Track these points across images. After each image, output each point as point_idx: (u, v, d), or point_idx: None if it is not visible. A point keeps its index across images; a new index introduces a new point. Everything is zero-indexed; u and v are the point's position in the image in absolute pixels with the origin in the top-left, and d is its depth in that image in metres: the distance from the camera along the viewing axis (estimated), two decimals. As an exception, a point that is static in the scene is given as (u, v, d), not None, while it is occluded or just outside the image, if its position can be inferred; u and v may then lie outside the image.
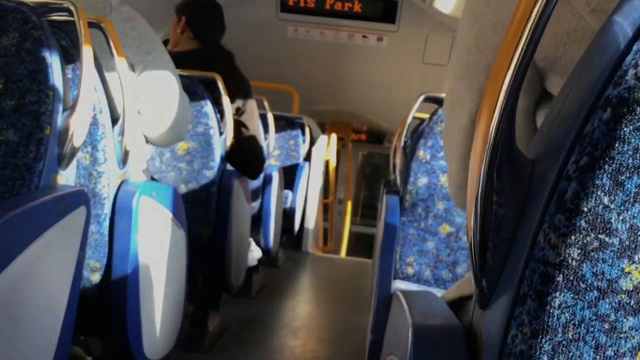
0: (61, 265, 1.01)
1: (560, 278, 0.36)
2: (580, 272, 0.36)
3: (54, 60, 1.02)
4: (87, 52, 1.09)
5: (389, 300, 1.52)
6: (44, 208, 0.95)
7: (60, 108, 1.03)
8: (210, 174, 2.08)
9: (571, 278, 0.36)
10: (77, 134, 1.04)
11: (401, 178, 1.90)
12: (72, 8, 1.11)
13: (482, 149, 0.40)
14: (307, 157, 4.27)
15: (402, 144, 1.95)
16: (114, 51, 1.22)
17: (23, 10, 1.03)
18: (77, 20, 1.10)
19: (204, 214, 2.10)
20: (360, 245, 8.76)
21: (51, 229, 0.95)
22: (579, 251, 0.36)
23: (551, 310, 0.37)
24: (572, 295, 0.37)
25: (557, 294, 0.36)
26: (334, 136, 5.38)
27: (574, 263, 0.36)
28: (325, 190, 5.66)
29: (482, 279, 0.42)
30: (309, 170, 4.30)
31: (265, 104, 3.26)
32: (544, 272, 0.36)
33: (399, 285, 1.65)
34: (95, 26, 1.20)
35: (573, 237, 0.36)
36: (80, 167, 1.21)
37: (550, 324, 0.37)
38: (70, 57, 1.15)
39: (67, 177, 1.07)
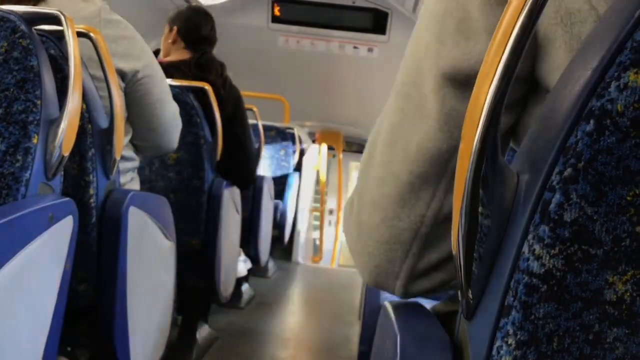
0: (47, 275, 1.01)
1: (544, 289, 0.36)
2: (564, 283, 0.36)
3: (42, 69, 1.02)
4: (76, 62, 1.09)
5: (378, 311, 1.52)
6: (30, 218, 0.94)
7: (49, 117, 1.03)
8: (199, 183, 2.07)
9: (556, 289, 0.36)
10: (65, 143, 1.04)
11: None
12: (61, 17, 1.11)
13: (466, 161, 0.40)
14: (298, 167, 4.28)
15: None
16: (103, 60, 1.22)
17: (11, 19, 1.03)
18: (66, 29, 1.10)
19: (193, 224, 2.09)
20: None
21: (37, 239, 0.95)
22: (563, 262, 0.36)
23: (536, 321, 0.37)
24: (556, 306, 0.37)
25: (542, 304, 0.36)
26: (324, 146, 5.39)
27: (558, 274, 0.36)
28: (316, 201, 5.66)
29: (467, 289, 0.42)
30: (300, 180, 4.30)
31: (256, 113, 3.26)
32: (528, 283, 0.36)
33: (388, 296, 1.64)
34: (85, 36, 1.20)
35: (557, 248, 0.36)
36: (68, 177, 1.20)
37: (535, 334, 0.37)
38: (59, 66, 1.14)
39: (54, 187, 1.07)
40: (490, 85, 0.38)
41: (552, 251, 0.36)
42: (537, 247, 0.36)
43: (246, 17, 4.47)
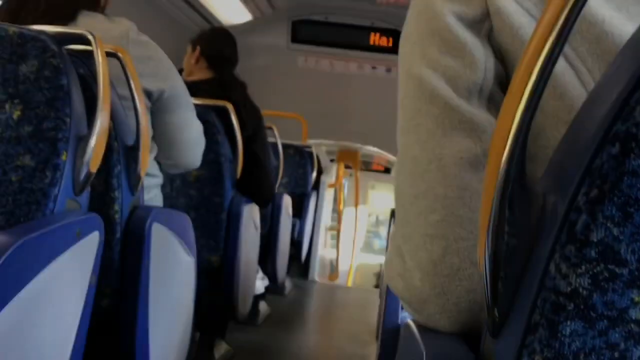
0: (74, 289, 1.02)
1: (571, 307, 0.37)
2: (590, 302, 0.37)
3: (72, 88, 1.05)
4: (104, 81, 1.11)
5: (397, 329, 1.52)
6: (58, 233, 0.96)
7: (77, 134, 1.05)
8: (220, 200, 2.09)
9: (582, 307, 0.37)
10: (93, 160, 1.06)
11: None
12: (90, 38, 1.14)
13: (493, 181, 0.41)
14: (315, 186, 4.29)
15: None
16: (131, 80, 1.25)
17: (42, 39, 1.06)
18: (95, 49, 1.13)
19: (213, 241, 2.11)
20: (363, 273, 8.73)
21: (65, 254, 0.97)
22: (590, 281, 0.37)
23: (562, 339, 0.37)
24: (583, 324, 0.37)
25: (569, 322, 0.37)
26: (342, 165, 5.40)
27: (584, 292, 0.37)
28: (333, 219, 5.66)
29: (494, 307, 0.43)
30: (317, 198, 4.31)
31: (276, 132, 3.29)
32: (555, 301, 0.37)
33: (406, 315, 1.64)
34: (113, 55, 1.23)
35: (583, 267, 0.37)
36: (94, 193, 1.23)
37: (561, 352, 0.37)
38: (87, 85, 1.17)
39: (81, 203, 1.09)
40: (517, 108, 0.39)
41: (579, 270, 0.37)
42: (563, 266, 0.37)
43: (267, 37, 4.53)
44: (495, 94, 0.60)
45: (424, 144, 0.59)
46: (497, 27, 0.58)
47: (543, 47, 0.38)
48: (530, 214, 0.41)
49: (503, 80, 0.60)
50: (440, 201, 0.57)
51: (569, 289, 0.37)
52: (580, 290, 0.37)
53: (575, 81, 0.54)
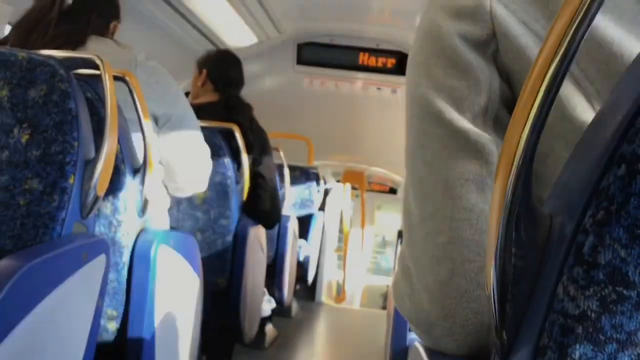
0: (80, 312, 1.02)
1: (580, 330, 0.37)
2: (599, 324, 0.37)
3: (79, 112, 1.06)
4: (112, 105, 1.12)
5: (405, 352, 1.51)
6: (65, 256, 0.96)
7: (85, 158, 1.06)
8: (226, 223, 2.09)
9: (590, 330, 0.37)
10: (101, 183, 1.07)
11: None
12: (98, 62, 1.15)
13: (500, 203, 0.41)
14: (322, 207, 4.29)
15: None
16: (138, 103, 1.26)
17: (51, 64, 1.07)
18: (103, 73, 1.14)
19: (219, 263, 2.11)
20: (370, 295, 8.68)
21: (72, 277, 0.97)
22: (598, 303, 0.36)
23: (572, 362, 0.37)
24: (591, 347, 0.37)
25: (577, 345, 0.37)
26: (348, 186, 5.40)
27: (593, 315, 0.37)
28: (339, 240, 5.65)
29: (502, 330, 0.42)
30: (324, 220, 4.31)
31: (282, 154, 3.30)
32: (563, 324, 0.37)
33: (414, 337, 1.63)
34: (120, 79, 1.24)
35: (592, 290, 0.36)
36: (101, 216, 1.23)
37: (570, 375, 0.37)
38: (94, 108, 1.18)
39: (88, 226, 1.09)
40: (523, 129, 0.39)
41: (587, 292, 0.36)
42: (571, 289, 0.37)
43: (272, 60, 4.56)
44: (501, 114, 0.60)
45: (430, 166, 0.59)
46: (503, 48, 0.59)
47: (549, 67, 0.38)
48: (537, 236, 0.41)
49: (509, 101, 0.60)
50: (447, 223, 0.57)
51: (577, 311, 0.37)
52: (589, 312, 0.37)
53: (583, 103, 0.54)
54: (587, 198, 0.37)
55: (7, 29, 2.43)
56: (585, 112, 0.55)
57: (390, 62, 4.54)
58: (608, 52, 0.54)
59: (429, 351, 0.58)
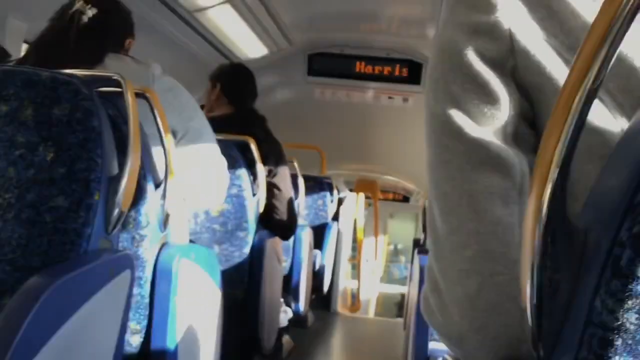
0: (107, 327, 1.04)
1: (619, 342, 0.37)
2: (638, 336, 0.37)
3: (103, 129, 1.07)
4: (134, 122, 1.14)
5: (426, 361, 1.51)
6: (93, 272, 0.98)
7: (109, 175, 1.07)
8: (243, 235, 2.10)
9: (629, 342, 0.37)
10: (125, 199, 1.08)
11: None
12: (120, 80, 1.17)
13: (534, 217, 0.42)
14: (335, 217, 4.29)
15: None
16: (158, 119, 1.28)
17: (74, 83, 1.09)
18: (125, 91, 1.16)
19: (237, 275, 2.12)
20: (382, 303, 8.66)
21: (99, 293, 0.98)
22: (637, 315, 0.37)
23: (611, 374, 0.38)
24: (631, 359, 0.38)
25: (617, 357, 0.37)
26: (361, 195, 5.41)
27: (631, 327, 0.37)
28: (353, 250, 5.65)
29: (539, 342, 0.43)
30: (338, 229, 4.31)
31: (296, 165, 3.31)
32: (602, 337, 0.38)
33: (434, 346, 1.63)
34: (141, 96, 1.26)
35: (630, 302, 0.37)
36: (124, 231, 1.24)
37: (611, 387, 0.38)
38: (117, 125, 1.20)
39: (113, 241, 1.11)
40: (557, 144, 0.40)
41: (626, 305, 0.37)
42: (610, 302, 0.37)
43: (283, 71, 4.59)
44: (521, 129, 0.60)
45: (453, 180, 0.60)
46: (522, 64, 0.59)
47: (583, 81, 0.39)
48: (573, 249, 0.41)
49: (528, 116, 0.61)
50: (473, 237, 0.57)
51: (616, 324, 0.37)
52: (628, 325, 0.37)
53: (607, 116, 0.55)
54: (623, 212, 0.38)
55: (23, 47, 2.47)
56: (607, 124, 0.55)
57: (401, 70, 4.56)
58: (628, 66, 0.55)
59: (460, 363, 0.58)
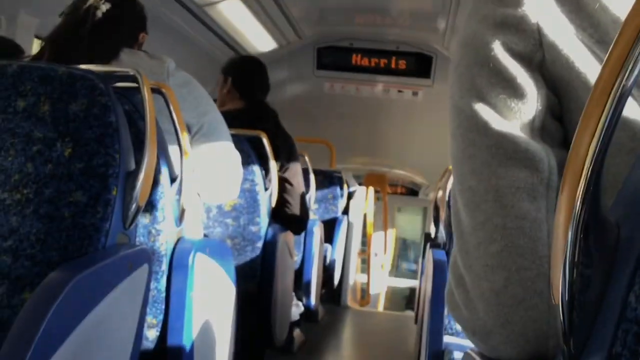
0: (126, 322, 1.04)
1: (655, 338, 0.37)
2: (673, 332, 0.37)
3: (120, 125, 1.07)
4: (151, 117, 1.14)
5: (440, 356, 1.51)
6: (112, 267, 0.98)
7: (126, 170, 1.08)
8: (255, 229, 2.11)
9: (665, 338, 0.37)
10: (142, 194, 1.08)
11: (447, 231, 1.90)
12: (137, 76, 1.17)
13: (567, 212, 0.41)
14: (345, 211, 4.29)
15: (446, 197, 1.96)
16: (174, 114, 1.28)
17: (90, 78, 1.09)
18: (142, 86, 1.16)
19: (249, 269, 2.12)
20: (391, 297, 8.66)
21: (118, 287, 0.99)
22: (673, 311, 0.37)
23: (646, 370, 0.37)
24: (666, 355, 0.37)
25: (653, 353, 0.37)
26: (371, 189, 5.40)
27: (667, 323, 0.37)
28: (363, 244, 5.65)
29: (570, 338, 0.43)
30: (348, 223, 4.31)
31: (307, 159, 3.31)
32: (637, 332, 0.37)
33: (448, 340, 1.63)
34: (157, 91, 1.26)
35: (665, 298, 0.37)
36: (140, 226, 1.25)
37: (646, 382, 0.37)
38: (132, 121, 1.20)
39: (130, 236, 1.11)
40: (592, 139, 0.40)
41: (661, 301, 0.37)
42: (645, 297, 0.37)
43: (292, 65, 4.58)
44: (548, 123, 0.60)
45: (479, 175, 0.59)
46: (550, 58, 0.59)
47: (618, 74, 0.39)
48: (605, 244, 0.41)
49: (555, 110, 0.61)
50: (499, 231, 0.57)
51: (651, 319, 0.37)
52: (663, 320, 0.37)
53: (636, 108, 0.54)
54: (657, 206, 0.38)
55: (35, 42, 2.47)
56: (636, 117, 0.55)
57: (411, 64, 4.54)
58: None
59: (486, 358, 0.58)
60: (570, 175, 0.41)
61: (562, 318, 0.43)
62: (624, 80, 0.39)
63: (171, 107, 1.28)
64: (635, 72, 0.38)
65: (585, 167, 0.40)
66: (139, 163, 1.11)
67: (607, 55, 0.40)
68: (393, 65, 4.62)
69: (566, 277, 0.42)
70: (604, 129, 0.39)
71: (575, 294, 0.42)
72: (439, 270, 1.64)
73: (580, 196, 0.40)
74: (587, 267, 0.42)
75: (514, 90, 0.59)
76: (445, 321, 1.67)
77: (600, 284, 0.42)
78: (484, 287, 0.57)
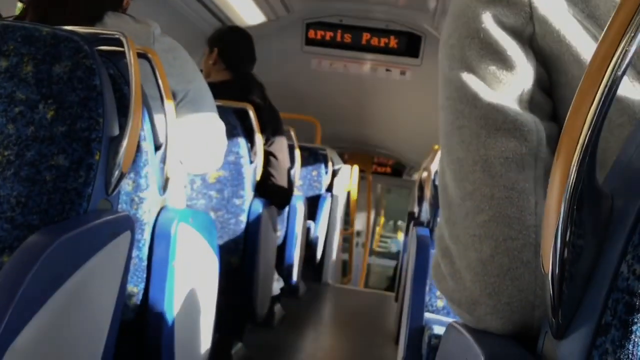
0: (107, 288, 1.03)
1: (645, 308, 0.37)
2: (664, 303, 0.37)
3: (104, 89, 1.05)
4: (136, 82, 1.12)
5: (421, 331, 1.52)
6: (93, 232, 0.97)
7: (109, 135, 1.06)
8: (239, 202, 2.10)
9: (656, 308, 0.37)
10: (125, 160, 1.07)
11: (431, 210, 1.90)
12: (122, 39, 1.14)
13: (561, 182, 0.41)
14: (329, 188, 4.29)
15: (432, 176, 1.96)
16: (160, 80, 1.26)
17: (75, 40, 1.06)
18: (127, 50, 1.14)
19: (232, 242, 2.11)
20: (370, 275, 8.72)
21: (99, 253, 0.97)
22: (665, 282, 0.36)
23: (636, 340, 0.37)
24: (656, 326, 0.37)
25: (643, 323, 0.37)
26: (356, 168, 5.40)
27: (658, 293, 0.37)
28: (345, 222, 5.67)
29: (559, 308, 0.43)
30: (331, 201, 4.31)
31: (293, 134, 3.29)
32: (629, 302, 0.37)
33: (429, 317, 1.64)
34: (142, 56, 1.24)
35: (658, 268, 0.37)
36: (123, 193, 1.23)
37: (634, 352, 0.37)
38: (117, 85, 1.18)
39: (112, 202, 1.10)
40: (587, 113, 0.39)
41: (654, 271, 0.36)
42: (637, 267, 0.37)
43: (280, 39, 4.53)
44: (537, 96, 0.60)
45: (468, 146, 0.59)
46: (540, 32, 0.59)
47: (616, 49, 0.38)
48: (599, 215, 0.41)
49: (544, 84, 0.61)
50: (487, 201, 0.57)
51: (643, 289, 0.37)
52: (655, 291, 0.37)
53: (625, 83, 0.54)
54: (652, 178, 0.37)
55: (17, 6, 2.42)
56: (627, 93, 0.54)
57: (400, 43, 4.51)
58: None
59: (471, 330, 0.58)
60: (566, 146, 0.41)
61: (551, 288, 0.43)
62: (623, 51, 0.38)
63: (157, 73, 1.25)
64: (633, 48, 0.38)
65: (582, 137, 0.39)
66: (123, 128, 1.09)
67: (605, 29, 0.39)
68: (382, 44, 4.59)
69: (557, 247, 0.41)
70: (602, 100, 0.38)
71: (566, 264, 0.42)
72: (422, 247, 1.65)
73: (575, 166, 0.39)
74: (580, 238, 0.42)
75: (504, 63, 0.59)
76: (427, 298, 1.68)
77: (592, 255, 0.41)
78: (471, 257, 0.57)
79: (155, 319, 1.30)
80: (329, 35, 4.62)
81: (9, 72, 1.02)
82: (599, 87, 0.39)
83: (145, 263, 1.28)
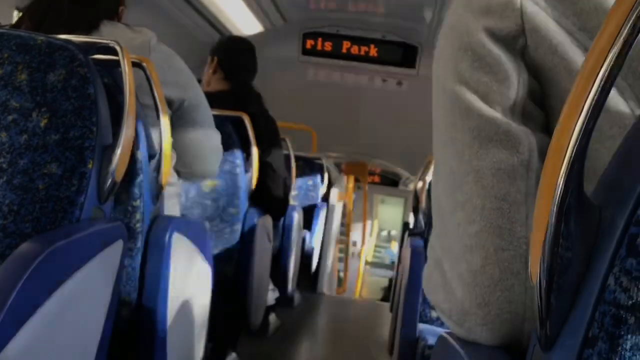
0: (99, 297, 1.03)
1: (632, 320, 0.37)
2: (651, 315, 0.37)
3: (98, 97, 1.05)
4: (130, 91, 1.12)
5: (414, 342, 1.51)
6: (85, 240, 0.96)
7: (103, 143, 1.06)
8: (234, 211, 2.09)
9: (643, 321, 0.37)
10: (119, 169, 1.06)
11: (426, 221, 1.90)
12: (117, 48, 1.15)
13: (549, 194, 0.41)
14: (325, 198, 4.29)
15: (427, 185, 1.96)
16: (155, 89, 1.26)
17: (70, 48, 1.07)
18: (122, 59, 1.14)
19: (227, 252, 2.11)
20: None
21: (91, 261, 0.97)
22: (651, 295, 0.37)
23: (623, 352, 0.37)
24: (643, 339, 0.37)
25: (629, 336, 0.37)
26: (351, 177, 5.40)
27: (645, 306, 0.37)
28: (342, 233, 5.66)
29: (547, 321, 0.43)
30: (327, 211, 4.31)
31: (289, 144, 3.30)
32: (615, 315, 0.37)
33: (423, 328, 1.64)
34: (137, 65, 1.24)
35: (645, 281, 0.37)
36: (117, 201, 1.23)
37: (621, 366, 0.37)
38: (112, 94, 1.18)
39: (105, 211, 1.09)
40: (576, 124, 0.39)
41: (640, 284, 0.36)
42: (624, 280, 0.37)
43: (277, 49, 4.55)
44: (529, 108, 0.60)
45: (460, 157, 0.60)
46: (532, 44, 0.59)
47: (604, 60, 0.38)
48: (586, 227, 0.41)
49: (537, 95, 0.61)
50: (478, 212, 0.57)
51: (630, 302, 0.37)
52: (641, 303, 0.37)
53: (616, 96, 0.54)
54: (639, 190, 0.37)
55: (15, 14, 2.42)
56: (618, 105, 0.55)
57: (397, 54, 4.53)
58: (638, 48, 0.54)
59: (462, 341, 0.58)
60: (553, 157, 0.41)
61: (539, 300, 0.43)
62: (612, 62, 0.38)
63: (152, 82, 1.25)
64: (624, 54, 0.38)
65: (570, 148, 0.39)
66: (116, 137, 1.09)
67: (595, 41, 0.39)
68: (378, 55, 4.61)
69: (545, 259, 0.41)
70: (590, 110, 0.38)
71: (554, 276, 0.42)
72: (417, 258, 1.65)
73: (563, 178, 0.39)
74: (567, 249, 0.42)
75: (496, 75, 0.60)
76: (420, 308, 1.67)
77: (579, 267, 0.41)
78: (461, 267, 0.57)
79: (148, 328, 1.30)
80: (326, 45, 4.64)
81: (3, 80, 1.02)
82: (587, 98, 0.39)
83: (138, 273, 1.28)
